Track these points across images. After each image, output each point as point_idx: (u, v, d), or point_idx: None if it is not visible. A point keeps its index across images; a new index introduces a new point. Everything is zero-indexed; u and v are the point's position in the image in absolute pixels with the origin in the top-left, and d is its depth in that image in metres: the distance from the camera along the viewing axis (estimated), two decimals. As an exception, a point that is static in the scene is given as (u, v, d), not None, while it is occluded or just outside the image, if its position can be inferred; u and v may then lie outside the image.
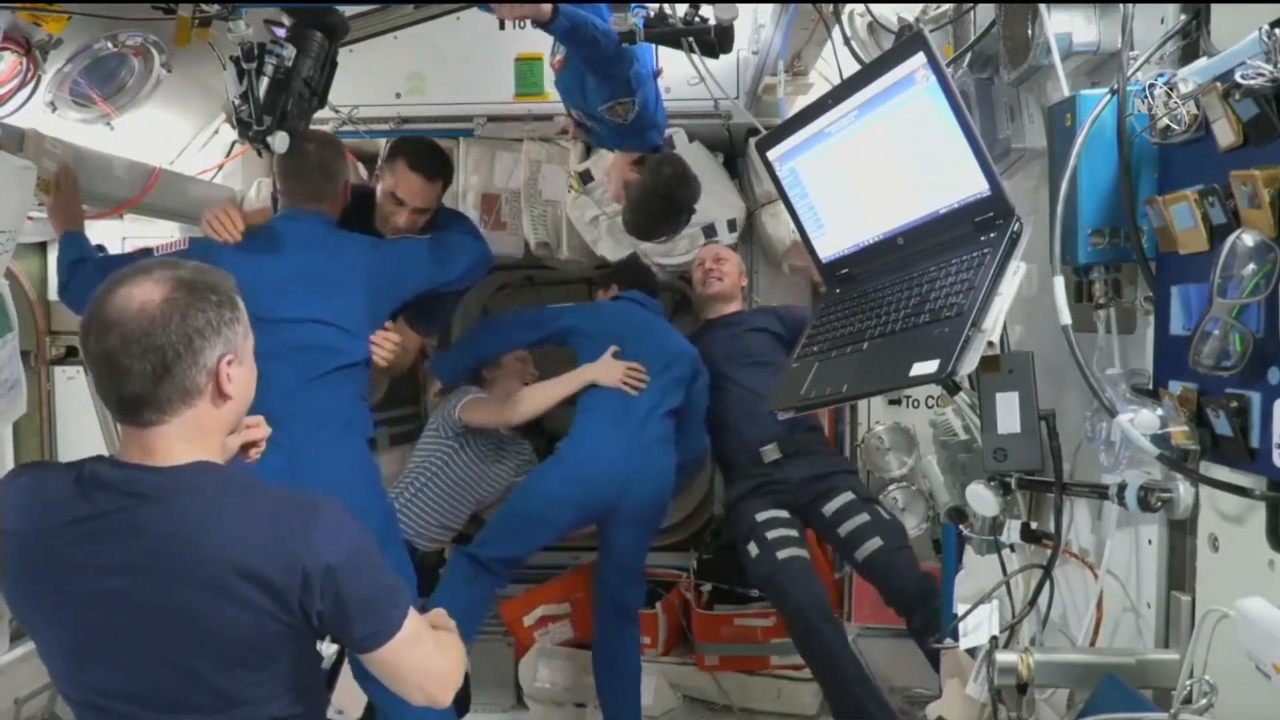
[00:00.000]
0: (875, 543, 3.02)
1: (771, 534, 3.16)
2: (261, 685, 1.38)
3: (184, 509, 1.32)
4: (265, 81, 2.38)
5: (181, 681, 1.35)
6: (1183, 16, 1.45)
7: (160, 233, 3.66)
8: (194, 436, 1.36)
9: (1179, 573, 1.52)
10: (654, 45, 2.53)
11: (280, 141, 2.42)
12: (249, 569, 1.30)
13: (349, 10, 2.83)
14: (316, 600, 1.34)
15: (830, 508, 3.13)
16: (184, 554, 1.30)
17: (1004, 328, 1.59)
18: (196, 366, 1.32)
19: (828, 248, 1.99)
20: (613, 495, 3.16)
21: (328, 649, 3.02)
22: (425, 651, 1.46)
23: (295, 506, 1.38)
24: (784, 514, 3.21)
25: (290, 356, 2.50)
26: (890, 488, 3.40)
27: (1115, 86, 1.45)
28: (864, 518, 3.07)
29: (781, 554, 3.11)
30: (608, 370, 3.25)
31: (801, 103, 2.88)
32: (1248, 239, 1.16)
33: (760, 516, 3.22)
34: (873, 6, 2.33)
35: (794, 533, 3.17)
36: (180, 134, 3.51)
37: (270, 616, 1.33)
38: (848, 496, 3.13)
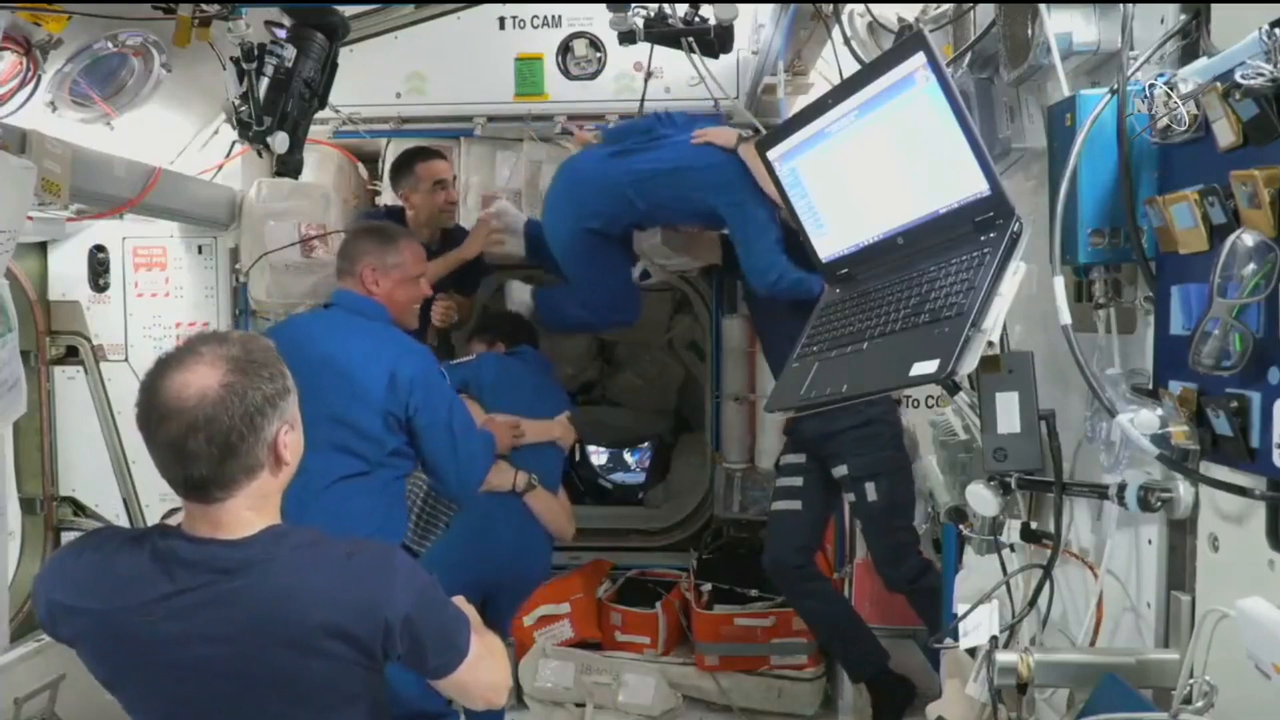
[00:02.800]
0: (858, 524, 3.25)
1: (780, 481, 3.34)
2: (347, 716, 1.49)
3: (266, 580, 1.39)
4: (265, 82, 2.38)
5: None
6: (1183, 16, 1.45)
7: (160, 233, 3.67)
8: (258, 505, 1.43)
9: (1179, 573, 1.51)
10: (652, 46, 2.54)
11: (280, 142, 2.42)
12: (334, 627, 1.39)
13: (349, 10, 2.84)
14: (397, 646, 1.44)
15: (836, 473, 3.20)
16: (272, 621, 1.39)
17: (1004, 328, 1.58)
18: (259, 444, 1.38)
19: (828, 247, 1.98)
20: (499, 571, 3.10)
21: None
22: (487, 666, 1.59)
23: (366, 561, 1.47)
24: (801, 459, 3.30)
25: (306, 455, 2.36)
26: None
27: (1115, 86, 1.45)
28: (850, 498, 3.19)
29: (776, 505, 3.31)
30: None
31: (801, 103, 2.89)
32: (1248, 239, 1.16)
33: (783, 461, 3.38)
34: (873, 6, 2.33)
35: (797, 481, 3.28)
36: (180, 134, 3.52)
37: (355, 664, 1.43)
38: (842, 470, 3.17)
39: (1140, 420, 1.36)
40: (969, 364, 1.48)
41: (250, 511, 1.42)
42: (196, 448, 1.32)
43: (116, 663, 1.44)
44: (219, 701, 1.42)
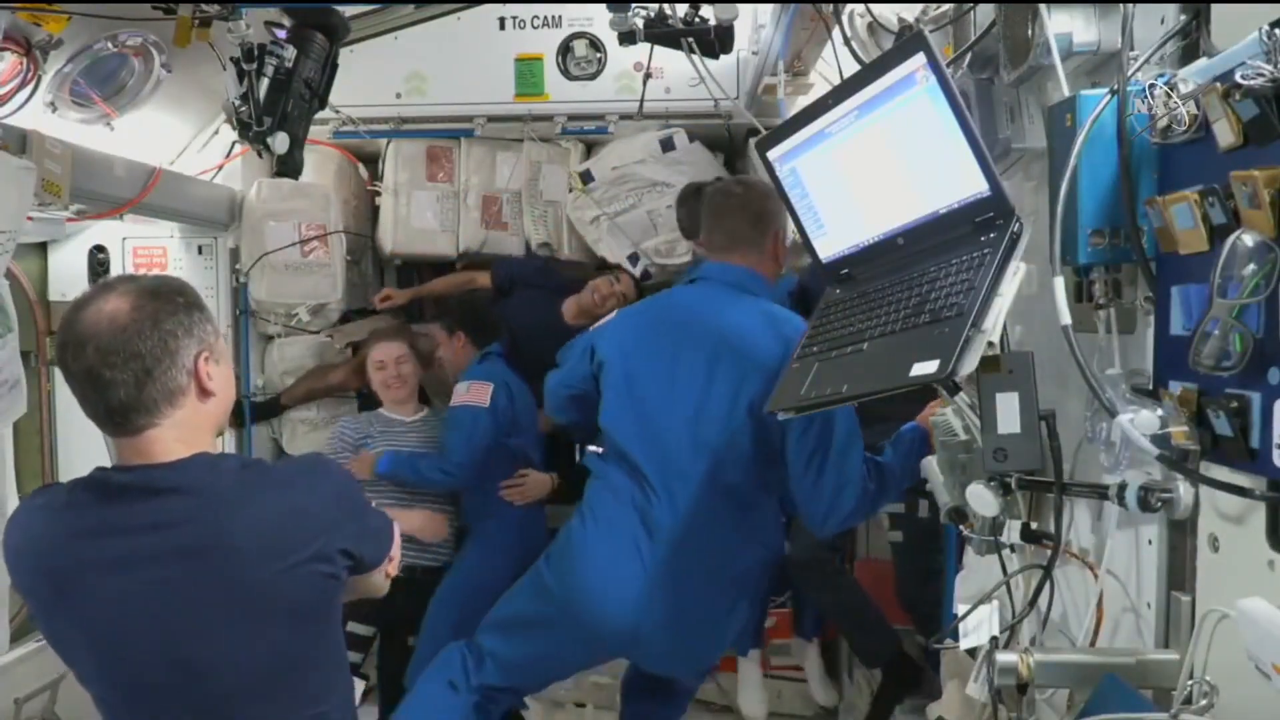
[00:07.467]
0: (897, 534, 3.19)
1: None
2: (323, 643, 1.48)
3: (211, 493, 1.38)
4: (265, 82, 2.38)
5: (264, 658, 1.42)
6: (1183, 16, 1.45)
7: (160, 233, 3.67)
8: (187, 436, 1.41)
9: (1179, 573, 1.51)
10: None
11: (280, 142, 2.42)
12: (291, 535, 1.39)
13: (349, 10, 2.84)
14: (352, 542, 1.46)
15: None
16: (221, 536, 1.36)
17: (1004, 328, 1.58)
18: (176, 367, 1.37)
19: (828, 248, 1.98)
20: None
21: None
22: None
23: (300, 471, 1.50)
24: None
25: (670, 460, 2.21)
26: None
27: (1115, 86, 1.45)
28: (898, 506, 3.14)
29: None
30: None
31: (801, 103, 2.88)
32: (1248, 239, 1.16)
33: None
34: (873, 6, 2.33)
35: None
36: (180, 134, 3.52)
37: (315, 573, 1.41)
38: None
39: (1140, 420, 1.36)
40: (969, 364, 1.48)
41: (179, 442, 1.39)
42: (112, 374, 1.32)
43: (66, 606, 1.37)
44: (173, 624, 1.36)
